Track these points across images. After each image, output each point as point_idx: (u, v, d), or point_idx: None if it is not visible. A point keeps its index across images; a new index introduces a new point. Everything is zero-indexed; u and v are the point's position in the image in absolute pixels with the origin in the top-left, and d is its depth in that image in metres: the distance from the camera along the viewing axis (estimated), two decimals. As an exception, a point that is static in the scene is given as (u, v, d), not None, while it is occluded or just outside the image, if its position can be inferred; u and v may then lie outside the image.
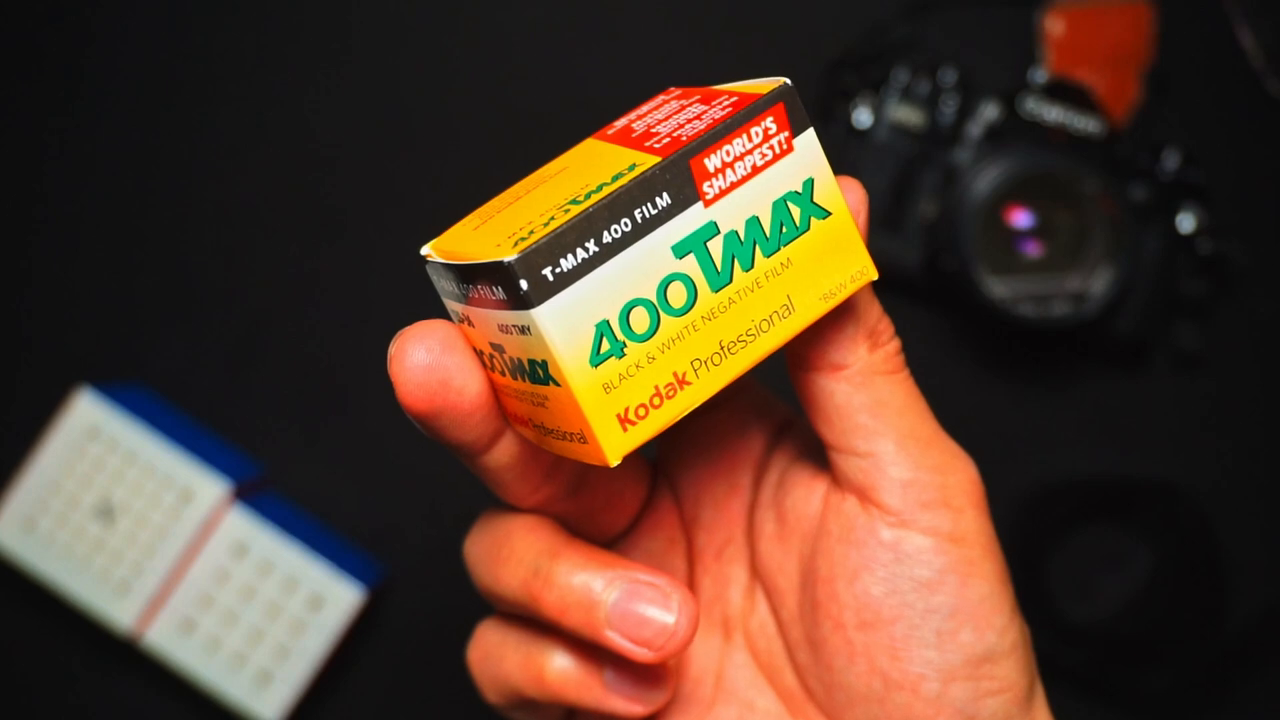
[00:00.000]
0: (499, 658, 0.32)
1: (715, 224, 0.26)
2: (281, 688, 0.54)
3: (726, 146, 0.26)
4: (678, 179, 0.26)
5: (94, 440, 0.54)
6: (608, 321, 0.26)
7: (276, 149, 0.59)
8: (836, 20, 0.58)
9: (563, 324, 0.25)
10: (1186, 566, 0.56)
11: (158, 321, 0.58)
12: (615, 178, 0.26)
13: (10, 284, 0.59)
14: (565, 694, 0.31)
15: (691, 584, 0.34)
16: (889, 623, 0.30)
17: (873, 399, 0.30)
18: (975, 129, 0.55)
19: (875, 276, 0.28)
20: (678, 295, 0.26)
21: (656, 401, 0.26)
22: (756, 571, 0.33)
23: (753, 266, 0.27)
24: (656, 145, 0.27)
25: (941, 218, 0.54)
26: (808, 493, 0.32)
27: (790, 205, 0.27)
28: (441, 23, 0.59)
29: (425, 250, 0.29)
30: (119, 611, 0.54)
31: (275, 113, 0.59)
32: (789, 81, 0.27)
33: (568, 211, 0.25)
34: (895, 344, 0.30)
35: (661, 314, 0.26)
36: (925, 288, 0.56)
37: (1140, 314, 0.56)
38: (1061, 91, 0.55)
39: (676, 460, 0.34)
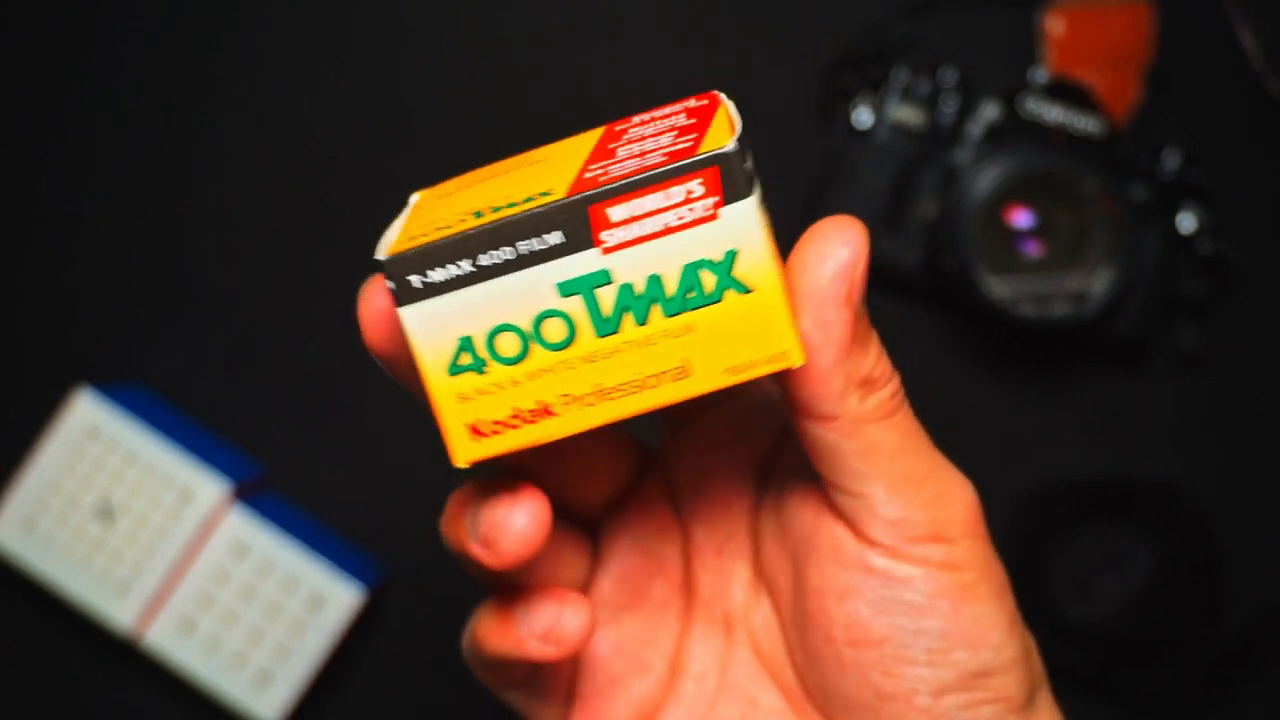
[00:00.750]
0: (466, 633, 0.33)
1: (609, 273, 0.26)
2: (281, 688, 0.54)
3: (638, 200, 0.25)
4: (574, 221, 0.25)
5: (94, 440, 0.54)
6: (471, 339, 0.26)
7: (276, 149, 0.59)
8: (836, 20, 0.58)
9: (423, 329, 0.26)
10: (1186, 566, 0.56)
11: (158, 321, 0.58)
12: (526, 200, 0.26)
13: (10, 284, 0.59)
14: (492, 645, 0.31)
15: (689, 578, 0.34)
16: (878, 642, 0.30)
17: (863, 445, 0.29)
18: (975, 129, 0.55)
19: (800, 363, 0.26)
20: (556, 331, 0.26)
21: (515, 422, 0.26)
22: (760, 569, 0.33)
23: (647, 323, 0.26)
24: (587, 174, 0.26)
25: (941, 218, 0.54)
26: (802, 502, 0.32)
27: (703, 272, 0.26)
28: (442, 23, 0.59)
29: (413, 199, 0.29)
30: (119, 611, 0.54)
31: (275, 113, 0.59)
32: (733, 147, 0.25)
33: (465, 222, 0.26)
34: (892, 385, 0.29)
35: (533, 344, 0.26)
36: (925, 288, 0.56)
37: (1140, 314, 0.56)
38: (1061, 91, 0.55)
39: (678, 452, 0.34)
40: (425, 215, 0.28)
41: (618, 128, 0.29)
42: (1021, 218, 0.54)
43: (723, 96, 0.28)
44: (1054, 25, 0.58)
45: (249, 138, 0.59)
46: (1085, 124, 0.54)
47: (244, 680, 0.54)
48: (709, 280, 0.26)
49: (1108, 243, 0.53)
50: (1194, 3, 0.58)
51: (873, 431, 0.29)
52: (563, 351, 0.26)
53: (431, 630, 0.58)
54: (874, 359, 0.29)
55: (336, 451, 0.58)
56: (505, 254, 0.25)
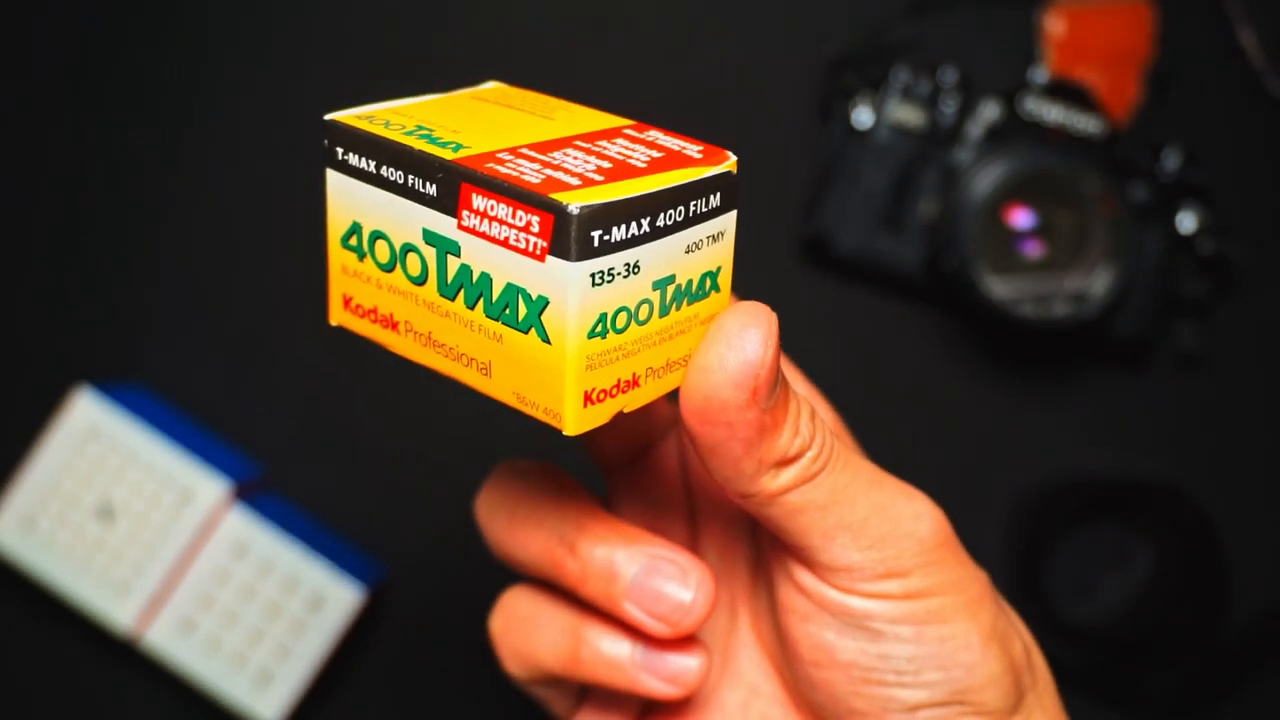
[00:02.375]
0: (528, 633, 0.32)
1: (460, 247, 0.26)
2: (281, 688, 0.54)
3: (493, 202, 0.26)
4: (447, 187, 0.26)
5: (94, 440, 0.54)
6: (360, 227, 0.28)
7: (277, 147, 0.59)
8: (836, 20, 0.58)
9: (335, 196, 0.28)
10: (1187, 566, 0.56)
11: (158, 321, 0.58)
12: (454, 145, 0.27)
13: (10, 284, 0.59)
14: (598, 674, 0.31)
15: (697, 555, 0.34)
16: (845, 665, 0.29)
17: (787, 509, 0.28)
18: (975, 129, 0.55)
19: (570, 433, 0.26)
20: (413, 265, 0.27)
21: (372, 317, 0.28)
22: (759, 557, 0.33)
23: (473, 309, 0.27)
24: (506, 153, 0.27)
25: (941, 218, 0.54)
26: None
27: (520, 299, 0.26)
28: (440, 22, 0.59)
29: (486, 85, 0.31)
30: (119, 611, 0.54)
31: (276, 112, 0.59)
32: (580, 208, 0.25)
33: (402, 130, 0.27)
34: (814, 449, 0.28)
35: (398, 265, 0.28)
36: (925, 288, 0.56)
37: (1140, 314, 0.56)
38: (1061, 91, 0.55)
39: None
40: (416, 109, 0.29)
41: (627, 130, 0.29)
42: (1021, 218, 0.54)
43: (719, 168, 0.27)
44: (1054, 25, 0.58)
45: (250, 136, 0.59)
46: (1085, 124, 0.54)
47: (244, 680, 0.54)
48: (521, 309, 0.26)
49: (1108, 243, 0.53)
50: (1194, 3, 0.58)
51: (795, 497, 0.28)
52: (414, 286, 0.27)
53: (431, 630, 0.58)
54: (788, 439, 0.28)
55: (336, 451, 0.58)
56: (398, 176, 0.27)
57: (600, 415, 0.27)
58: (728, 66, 0.58)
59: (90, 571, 0.54)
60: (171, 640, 0.54)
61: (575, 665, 0.31)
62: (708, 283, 0.28)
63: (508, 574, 0.57)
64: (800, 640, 0.30)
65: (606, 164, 0.27)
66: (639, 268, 0.26)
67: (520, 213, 0.25)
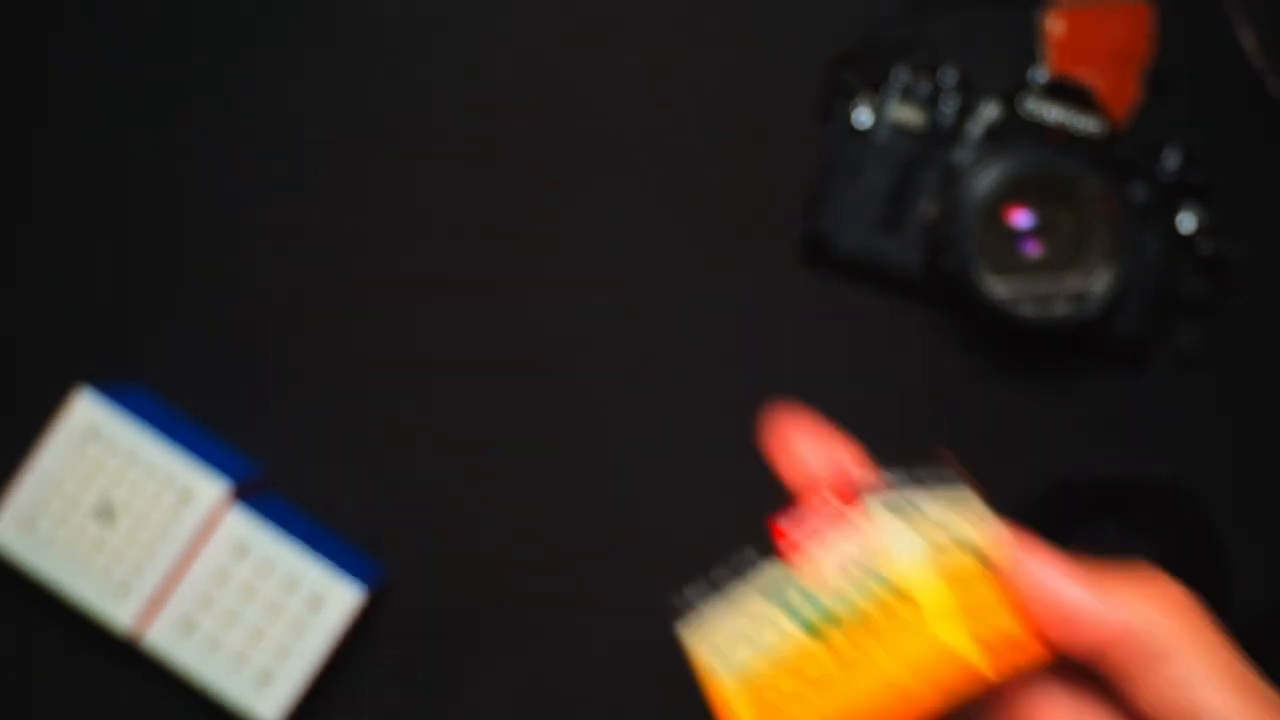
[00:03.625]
0: None
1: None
2: (281, 688, 0.54)
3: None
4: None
5: (94, 440, 0.54)
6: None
7: (276, 149, 0.59)
8: (836, 20, 0.58)
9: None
10: (1188, 566, 0.56)
11: (158, 321, 0.58)
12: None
13: (10, 284, 0.59)
14: None
15: None
16: None
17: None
18: (975, 129, 0.55)
19: (990, 676, 0.27)
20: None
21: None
22: None
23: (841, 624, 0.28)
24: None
25: (941, 218, 0.54)
26: None
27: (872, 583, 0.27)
28: (437, 20, 0.59)
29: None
30: (119, 611, 0.54)
31: (275, 114, 0.59)
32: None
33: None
34: None
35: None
36: (925, 288, 0.56)
37: (1140, 314, 0.56)
38: (1061, 91, 0.55)
39: None
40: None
41: None
42: (1021, 218, 0.54)
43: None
44: (1054, 25, 0.58)
45: (249, 138, 0.59)
46: (1085, 124, 0.54)
47: (244, 680, 0.54)
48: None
49: (1108, 243, 0.53)
50: (1194, 3, 0.58)
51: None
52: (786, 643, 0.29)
53: (431, 630, 0.58)
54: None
55: (336, 451, 0.58)
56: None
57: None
58: (728, 66, 0.58)
59: (90, 571, 0.54)
60: (171, 640, 0.54)
61: None
62: None
63: (505, 573, 0.57)
64: None
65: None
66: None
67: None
